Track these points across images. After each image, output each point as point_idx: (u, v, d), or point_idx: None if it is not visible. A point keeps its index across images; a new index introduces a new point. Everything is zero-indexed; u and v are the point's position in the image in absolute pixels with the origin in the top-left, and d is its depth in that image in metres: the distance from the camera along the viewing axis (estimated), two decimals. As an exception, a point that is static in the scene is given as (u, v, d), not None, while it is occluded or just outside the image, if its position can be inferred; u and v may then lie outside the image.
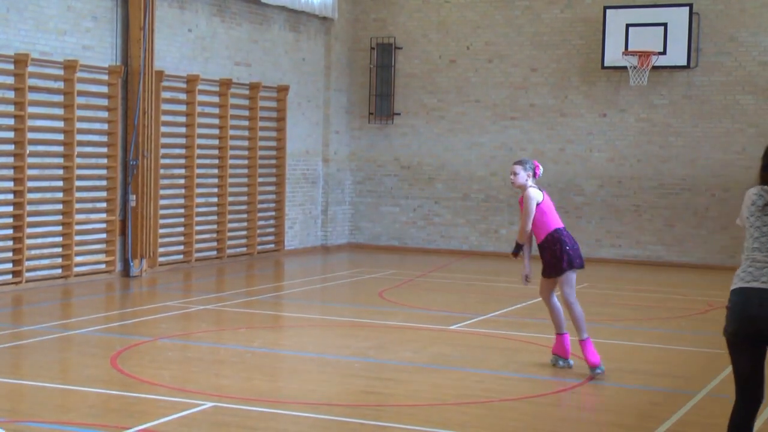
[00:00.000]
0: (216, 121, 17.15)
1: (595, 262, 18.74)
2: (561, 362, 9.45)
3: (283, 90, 18.60)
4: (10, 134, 13.45)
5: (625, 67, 18.21)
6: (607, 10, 18.38)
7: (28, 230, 13.68)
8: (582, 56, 19.03)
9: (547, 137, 19.36)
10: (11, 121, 13.46)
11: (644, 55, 17.92)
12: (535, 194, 9.29)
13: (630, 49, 18.07)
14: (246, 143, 17.95)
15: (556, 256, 9.23)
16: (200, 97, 16.58)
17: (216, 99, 17.11)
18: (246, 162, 17.98)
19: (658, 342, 10.96)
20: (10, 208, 13.53)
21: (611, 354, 10.21)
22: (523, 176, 9.35)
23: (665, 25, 18.02)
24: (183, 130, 16.46)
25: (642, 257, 18.78)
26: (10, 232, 13.53)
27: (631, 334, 11.40)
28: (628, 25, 18.21)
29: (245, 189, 17.99)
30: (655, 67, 18.04)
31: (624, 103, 18.81)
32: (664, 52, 17.97)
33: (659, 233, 18.69)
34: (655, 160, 18.67)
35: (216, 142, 17.19)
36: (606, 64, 18.48)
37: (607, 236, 19.02)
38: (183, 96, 16.37)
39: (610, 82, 18.85)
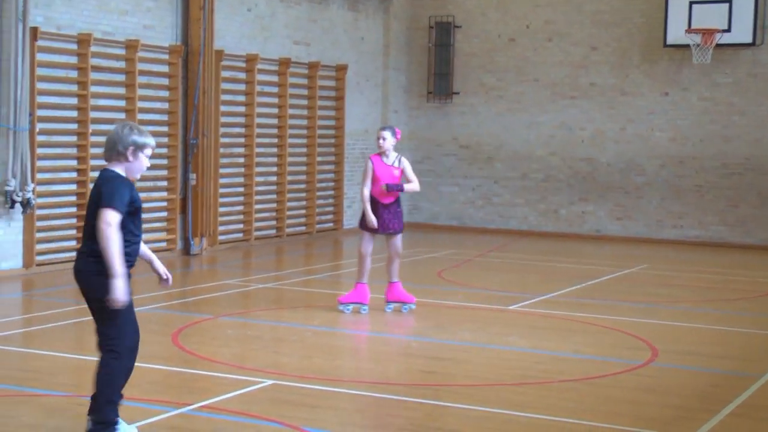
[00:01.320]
0: (275, 101, 17.22)
1: (656, 243, 18.57)
2: (364, 309, 10.73)
3: (341, 69, 18.61)
4: (74, 113, 13.64)
5: (687, 45, 17.92)
6: (670, -12, 18.10)
7: (91, 208, 13.83)
8: (643, 34, 18.77)
9: (607, 116, 19.15)
10: (75, 101, 13.65)
11: (708, 33, 17.61)
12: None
13: (693, 26, 17.78)
14: (305, 122, 18.00)
15: (398, 216, 10.65)
16: (259, 77, 16.65)
17: (275, 78, 17.17)
18: (305, 141, 18.04)
19: (719, 324, 10.83)
20: (73, 186, 13.73)
21: (671, 335, 10.11)
22: (391, 140, 10.53)
23: (730, 1, 17.68)
24: (242, 109, 16.55)
25: (704, 238, 18.53)
26: (74, 210, 13.73)
27: (692, 316, 11.27)
28: (691, 2, 17.90)
29: (304, 168, 18.05)
30: (719, 45, 17.73)
31: (686, 81, 18.53)
32: (728, 30, 17.65)
33: (722, 214, 18.43)
34: (718, 140, 18.38)
35: (275, 121, 17.26)
36: (668, 43, 18.20)
37: (668, 216, 18.79)
38: (242, 75, 16.45)
39: (672, 61, 18.57)
